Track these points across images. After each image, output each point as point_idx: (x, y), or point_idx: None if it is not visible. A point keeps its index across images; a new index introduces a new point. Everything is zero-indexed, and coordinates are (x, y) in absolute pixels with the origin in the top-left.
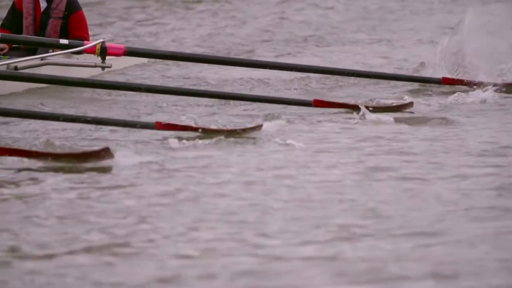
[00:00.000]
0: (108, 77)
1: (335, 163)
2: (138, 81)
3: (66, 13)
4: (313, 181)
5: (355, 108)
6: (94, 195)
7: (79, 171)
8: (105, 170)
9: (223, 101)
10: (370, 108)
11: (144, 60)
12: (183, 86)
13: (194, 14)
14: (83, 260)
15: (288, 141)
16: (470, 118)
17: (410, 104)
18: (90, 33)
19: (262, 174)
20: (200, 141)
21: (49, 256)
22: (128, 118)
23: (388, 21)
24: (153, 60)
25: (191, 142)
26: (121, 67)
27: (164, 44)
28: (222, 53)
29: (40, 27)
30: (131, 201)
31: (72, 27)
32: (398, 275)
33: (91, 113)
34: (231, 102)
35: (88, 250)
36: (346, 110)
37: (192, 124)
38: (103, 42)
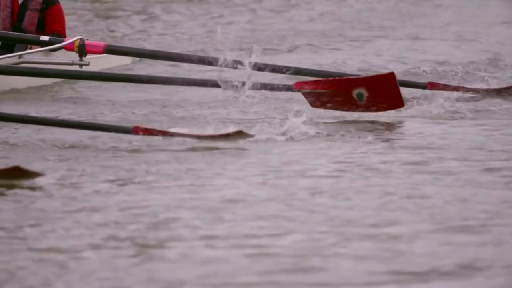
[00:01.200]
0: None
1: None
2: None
3: (43, 5)
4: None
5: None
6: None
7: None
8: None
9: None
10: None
11: (127, 61)
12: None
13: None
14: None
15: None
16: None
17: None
18: (97, 32)
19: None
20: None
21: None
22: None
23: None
24: (137, 59)
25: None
26: (103, 67)
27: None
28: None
29: (17, 20)
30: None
31: (49, 21)
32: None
33: (65, 114)
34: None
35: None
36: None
37: (170, 130)
38: (81, 39)
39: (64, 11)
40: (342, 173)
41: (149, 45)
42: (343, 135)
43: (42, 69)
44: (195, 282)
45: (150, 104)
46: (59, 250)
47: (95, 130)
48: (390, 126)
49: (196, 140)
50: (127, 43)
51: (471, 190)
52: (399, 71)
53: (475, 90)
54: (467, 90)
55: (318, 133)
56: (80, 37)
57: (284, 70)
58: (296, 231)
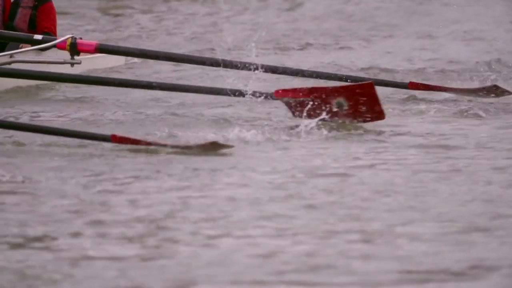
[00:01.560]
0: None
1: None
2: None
3: (36, 3)
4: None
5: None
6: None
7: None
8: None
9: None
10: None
11: (121, 61)
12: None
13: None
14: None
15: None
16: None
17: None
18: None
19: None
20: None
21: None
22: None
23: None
24: (132, 60)
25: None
26: (96, 68)
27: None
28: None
29: (9, 17)
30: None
31: (40, 18)
32: None
33: (49, 116)
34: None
35: None
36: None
37: (147, 139)
38: (72, 38)
39: (70, 9)
40: (351, 172)
41: (156, 44)
42: (349, 135)
43: (32, 71)
44: (204, 280)
45: (133, 106)
46: (68, 248)
47: (72, 137)
48: (390, 125)
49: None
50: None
51: (480, 189)
52: (405, 69)
53: (456, 90)
54: (448, 90)
55: (326, 133)
56: (71, 35)
57: (287, 72)
58: (305, 230)
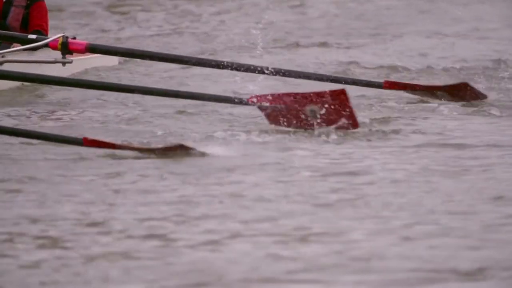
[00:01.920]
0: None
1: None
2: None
3: (28, 2)
4: None
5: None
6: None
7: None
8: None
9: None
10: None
11: (114, 61)
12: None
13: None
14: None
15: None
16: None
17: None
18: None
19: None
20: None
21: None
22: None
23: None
24: (127, 60)
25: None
26: (88, 67)
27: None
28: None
29: (2, 16)
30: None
31: (32, 16)
32: None
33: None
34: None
35: None
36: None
37: (118, 142)
38: (64, 37)
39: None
40: (362, 171)
41: (162, 43)
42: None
43: (20, 73)
44: (214, 280)
45: (112, 109)
46: (79, 245)
47: (44, 140)
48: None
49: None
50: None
51: (494, 188)
52: (415, 68)
53: (428, 88)
54: (424, 88)
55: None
56: (62, 34)
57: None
58: (317, 230)
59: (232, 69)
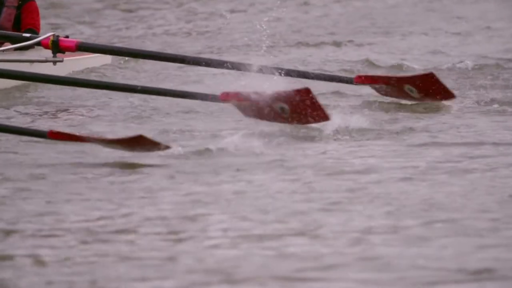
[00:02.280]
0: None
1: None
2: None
3: (20, 2)
4: None
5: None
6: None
7: None
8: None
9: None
10: None
11: (107, 61)
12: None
13: None
14: None
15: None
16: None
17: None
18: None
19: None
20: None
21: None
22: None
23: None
24: (123, 59)
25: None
26: (83, 68)
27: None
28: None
29: None
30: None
31: (24, 15)
32: None
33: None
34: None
35: None
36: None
37: (84, 135)
38: (54, 35)
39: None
40: (376, 170)
41: (162, 41)
42: (376, 131)
43: (13, 71)
44: (227, 278)
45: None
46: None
47: (9, 133)
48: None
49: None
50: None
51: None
52: (423, 66)
53: (402, 81)
54: (394, 81)
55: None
56: (53, 33)
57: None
58: (331, 228)
59: (222, 68)
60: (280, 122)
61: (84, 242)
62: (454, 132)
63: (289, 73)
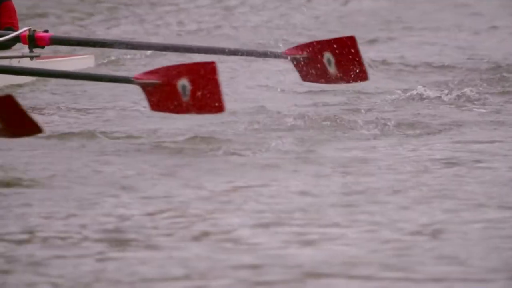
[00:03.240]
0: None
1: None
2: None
3: None
4: None
5: None
6: None
7: None
8: None
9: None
10: None
11: (91, 63)
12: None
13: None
14: None
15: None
16: None
17: None
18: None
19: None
20: None
21: None
22: None
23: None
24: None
25: None
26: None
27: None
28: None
29: None
30: None
31: (2, 16)
32: None
33: None
34: None
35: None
36: None
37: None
38: (30, 30)
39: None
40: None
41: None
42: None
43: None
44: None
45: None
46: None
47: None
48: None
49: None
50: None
51: None
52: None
53: (322, 46)
54: (317, 44)
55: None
56: (29, 28)
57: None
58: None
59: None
60: (180, 112)
61: (108, 240)
62: (471, 127)
63: (217, 51)
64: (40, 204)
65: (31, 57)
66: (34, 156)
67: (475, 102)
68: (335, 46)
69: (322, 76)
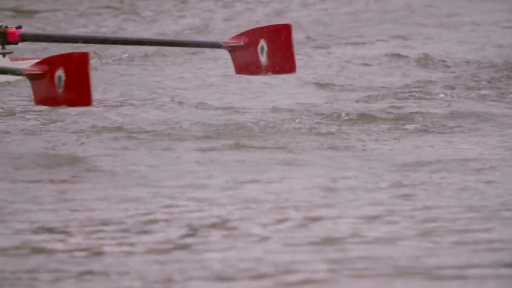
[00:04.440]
0: None
1: None
2: None
3: None
4: None
5: None
6: None
7: None
8: None
9: None
10: None
11: None
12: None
13: None
14: None
15: None
16: None
17: None
18: None
19: None
20: None
21: None
22: None
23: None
24: None
25: None
26: None
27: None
28: None
29: None
30: None
31: None
32: None
33: None
34: None
35: None
36: None
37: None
38: (1, 27)
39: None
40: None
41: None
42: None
43: None
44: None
45: None
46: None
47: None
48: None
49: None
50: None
51: None
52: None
53: (261, 30)
54: (254, 31)
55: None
56: (0, 24)
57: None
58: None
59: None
60: (52, 105)
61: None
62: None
63: (154, 43)
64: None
65: (3, 54)
66: None
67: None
68: (269, 33)
69: (254, 66)
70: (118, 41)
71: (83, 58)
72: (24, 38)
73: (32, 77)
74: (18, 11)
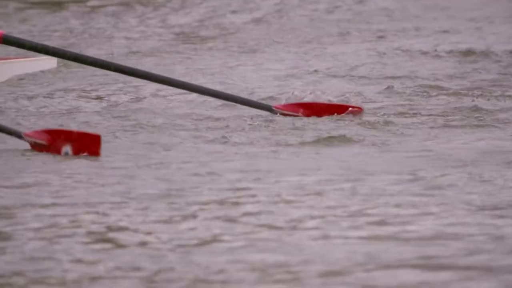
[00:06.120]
0: None
1: None
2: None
3: None
4: None
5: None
6: None
7: None
8: None
9: None
10: None
11: (53, 65)
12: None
13: None
14: None
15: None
16: None
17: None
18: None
19: None
20: None
21: None
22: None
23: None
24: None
25: None
26: (30, 72)
27: None
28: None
29: None
30: None
31: None
32: None
33: None
34: None
35: None
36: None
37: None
38: None
39: None
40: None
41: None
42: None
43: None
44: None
45: None
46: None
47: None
48: None
49: None
50: None
51: None
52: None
53: (323, 110)
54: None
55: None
56: None
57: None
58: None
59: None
60: None
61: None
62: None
63: (206, 92)
64: None
65: None
66: None
67: None
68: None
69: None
70: (135, 73)
71: (95, 141)
72: (6, 41)
73: (33, 144)
74: None
